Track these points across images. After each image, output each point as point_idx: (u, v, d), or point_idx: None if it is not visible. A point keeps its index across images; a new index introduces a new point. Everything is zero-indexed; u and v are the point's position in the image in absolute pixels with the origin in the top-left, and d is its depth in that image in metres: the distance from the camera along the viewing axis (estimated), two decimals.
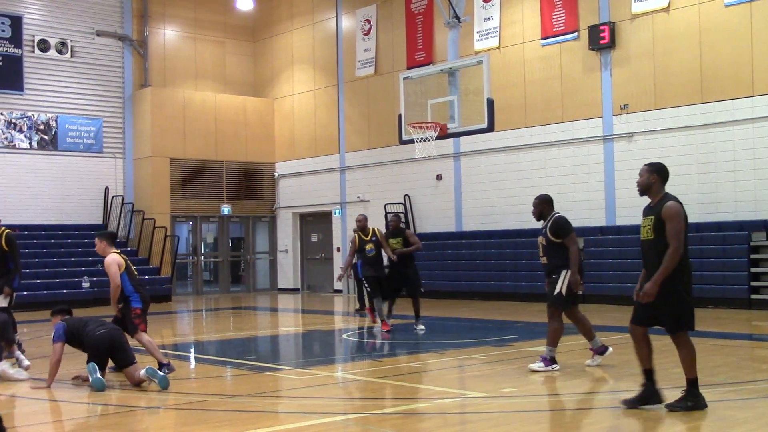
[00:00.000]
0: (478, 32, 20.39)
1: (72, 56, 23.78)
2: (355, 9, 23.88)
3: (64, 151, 23.54)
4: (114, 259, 8.95)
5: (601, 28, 18.02)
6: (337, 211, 24.47)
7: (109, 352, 8.36)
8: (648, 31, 17.56)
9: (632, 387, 7.80)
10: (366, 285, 13.45)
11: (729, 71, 16.39)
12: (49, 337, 8.60)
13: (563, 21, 18.86)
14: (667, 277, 6.49)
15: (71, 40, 23.76)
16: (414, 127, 14.38)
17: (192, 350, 12.43)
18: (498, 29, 20.11)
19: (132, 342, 8.87)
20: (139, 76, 25.00)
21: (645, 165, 6.99)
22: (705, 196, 16.61)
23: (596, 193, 18.32)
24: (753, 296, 15.65)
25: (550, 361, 8.76)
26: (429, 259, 20.42)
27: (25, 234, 22.45)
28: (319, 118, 25.15)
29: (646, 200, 6.92)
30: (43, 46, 23.26)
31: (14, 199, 22.65)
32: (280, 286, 26.42)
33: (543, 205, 9.14)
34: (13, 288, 10.51)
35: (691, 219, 17.36)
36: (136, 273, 9.25)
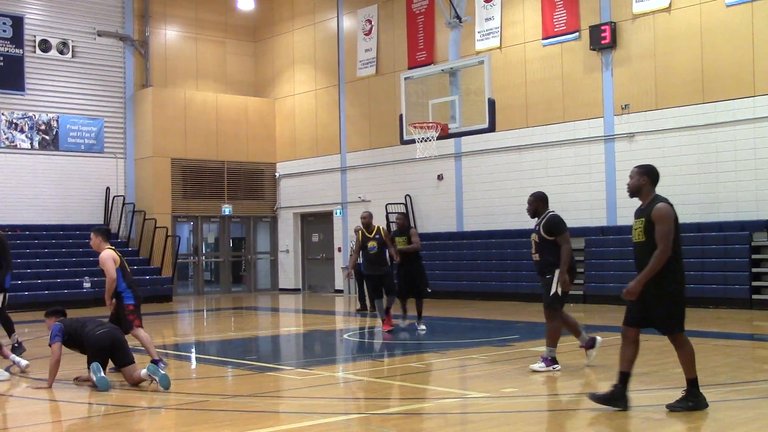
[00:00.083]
0: (479, 32, 20.39)
1: (73, 56, 23.79)
2: (356, 9, 23.88)
3: (65, 151, 23.55)
4: (109, 255, 9.08)
5: (602, 28, 18.01)
6: (338, 211, 24.46)
7: (110, 351, 8.36)
8: (649, 31, 17.56)
9: (633, 387, 7.80)
10: (366, 284, 13.44)
11: (730, 71, 16.38)
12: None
13: (564, 21, 18.86)
14: (661, 279, 6.49)
15: (72, 41, 23.78)
16: (415, 127, 14.37)
17: (193, 350, 12.44)
18: (499, 29, 20.11)
19: (132, 342, 8.87)
20: (140, 76, 25.01)
21: (635, 167, 6.99)
22: (706, 196, 16.61)
23: (597, 193, 18.31)
24: (754, 296, 15.64)
25: (551, 361, 8.76)
26: (430, 259, 20.36)
27: (26, 234, 22.51)
28: (320, 118, 25.16)
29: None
30: (44, 46, 23.27)
31: (15, 199, 22.67)
32: (281, 287, 26.43)
33: (538, 203, 9.14)
34: (5, 288, 10.45)
35: (692, 219, 17.44)
36: (129, 270, 9.33)
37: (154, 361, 8.80)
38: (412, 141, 14.58)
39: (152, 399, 7.83)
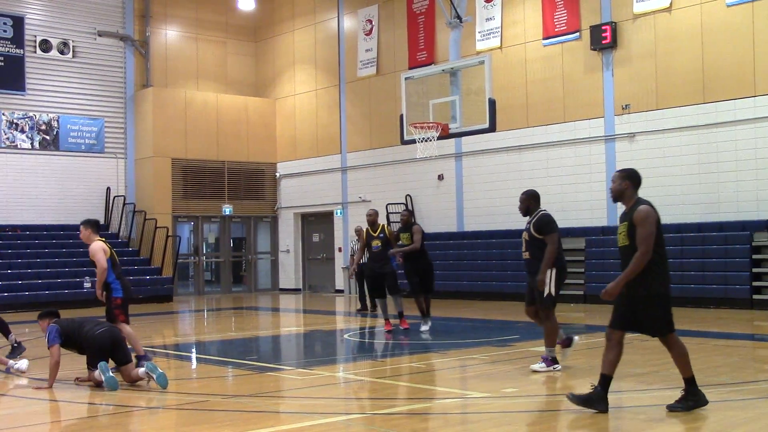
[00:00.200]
0: (479, 32, 20.38)
1: (74, 56, 23.80)
2: (356, 9, 23.88)
3: (65, 151, 23.55)
4: (100, 246, 9.18)
5: (603, 28, 18.01)
6: (338, 211, 24.46)
7: (111, 350, 8.36)
8: (650, 31, 17.55)
9: (633, 387, 7.81)
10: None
11: (731, 71, 16.37)
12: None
13: (565, 21, 18.85)
14: (646, 281, 6.47)
15: (73, 41, 23.78)
16: (415, 127, 14.36)
17: (193, 350, 12.43)
18: (500, 29, 20.10)
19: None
20: (140, 76, 25.01)
21: (616, 171, 6.98)
22: (707, 196, 16.60)
23: (598, 193, 18.29)
24: (755, 296, 15.63)
25: (552, 361, 8.75)
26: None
27: (27, 234, 22.53)
28: (320, 118, 25.16)
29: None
30: (45, 46, 23.28)
31: (16, 199, 22.69)
32: (281, 287, 26.43)
33: (529, 201, 9.16)
34: None
35: (692, 219, 17.43)
36: (119, 262, 9.42)
37: (140, 357, 8.90)
38: (413, 141, 14.56)
39: (152, 399, 7.83)
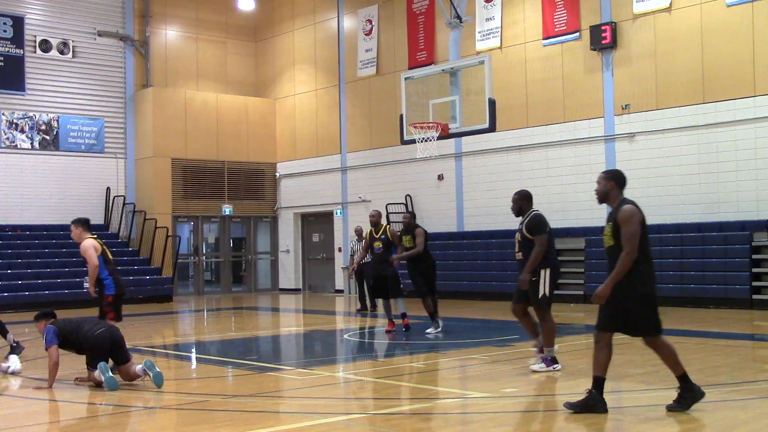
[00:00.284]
0: (479, 32, 20.38)
1: (73, 56, 23.79)
2: (356, 9, 23.88)
3: (65, 151, 23.55)
4: (90, 243, 9.24)
5: (603, 28, 18.01)
6: (338, 211, 24.46)
7: (111, 350, 8.37)
8: (650, 31, 17.55)
9: (633, 387, 7.81)
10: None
11: (731, 71, 16.37)
12: None
13: (565, 21, 18.85)
14: (631, 282, 6.46)
15: (73, 41, 23.78)
16: (415, 127, 14.36)
17: (193, 350, 12.43)
18: (499, 29, 20.10)
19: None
20: (140, 76, 25.01)
21: (601, 173, 7.04)
22: (707, 196, 16.60)
23: None
24: (755, 296, 15.63)
25: (551, 361, 8.75)
26: None
27: (27, 234, 22.53)
28: (320, 118, 25.16)
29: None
30: (45, 46, 23.28)
31: (16, 199, 22.69)
32: (281, 287, 26.42)
33: (522, 201, 9.12)
34: None
35: (692, 219, 17.41)
36: (112, 258, 9.46)
37: None
38: (413, 141, 14.57)
39: (152, 399, 7.83)
